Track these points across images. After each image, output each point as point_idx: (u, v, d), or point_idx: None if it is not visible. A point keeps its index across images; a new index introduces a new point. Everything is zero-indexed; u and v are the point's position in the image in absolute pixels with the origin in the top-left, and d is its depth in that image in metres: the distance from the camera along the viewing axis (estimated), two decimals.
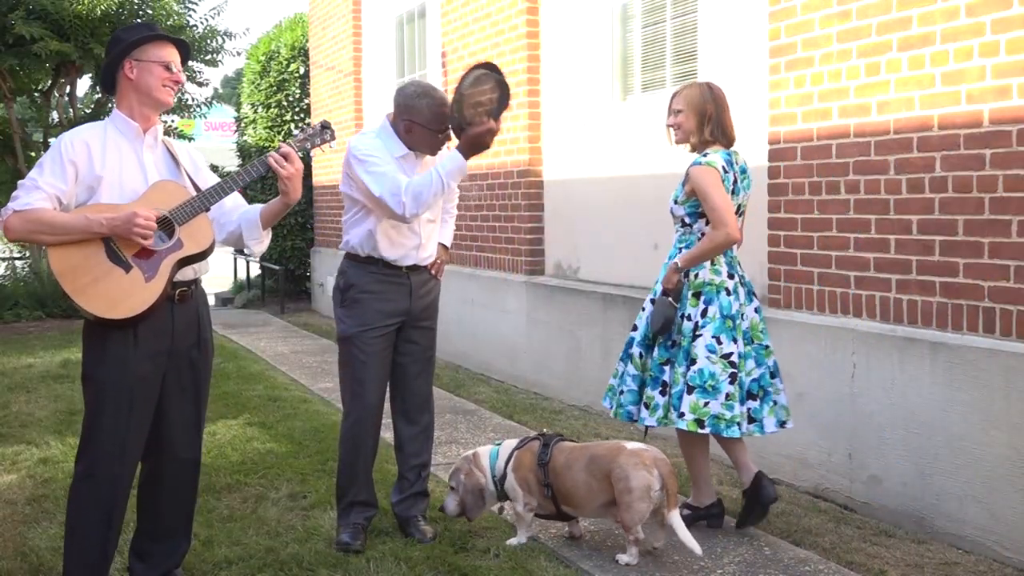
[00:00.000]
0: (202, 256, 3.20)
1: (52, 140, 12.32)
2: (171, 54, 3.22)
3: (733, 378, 3.96)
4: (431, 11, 9.54)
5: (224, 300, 14.62)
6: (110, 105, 12.55)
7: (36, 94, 13.27)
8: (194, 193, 3.21)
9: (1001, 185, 3.93)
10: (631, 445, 3.80)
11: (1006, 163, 3.91)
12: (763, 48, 5.20)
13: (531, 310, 7.36)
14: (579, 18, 7.07)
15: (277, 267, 13.28)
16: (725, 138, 4.13)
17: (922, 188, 4.25)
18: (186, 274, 3.22)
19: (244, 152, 14.45)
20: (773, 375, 4.12)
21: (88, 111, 13.01)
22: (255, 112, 14.05)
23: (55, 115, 12.81)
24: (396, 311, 3.99)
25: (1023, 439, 3.81)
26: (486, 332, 7.99)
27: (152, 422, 3.24)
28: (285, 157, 3.26)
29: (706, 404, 3.93)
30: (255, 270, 14.89)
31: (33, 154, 12.88)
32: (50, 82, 12.70)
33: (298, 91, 13.60)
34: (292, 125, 13.57)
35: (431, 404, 4.23)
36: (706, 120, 4.07)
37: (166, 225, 3.11)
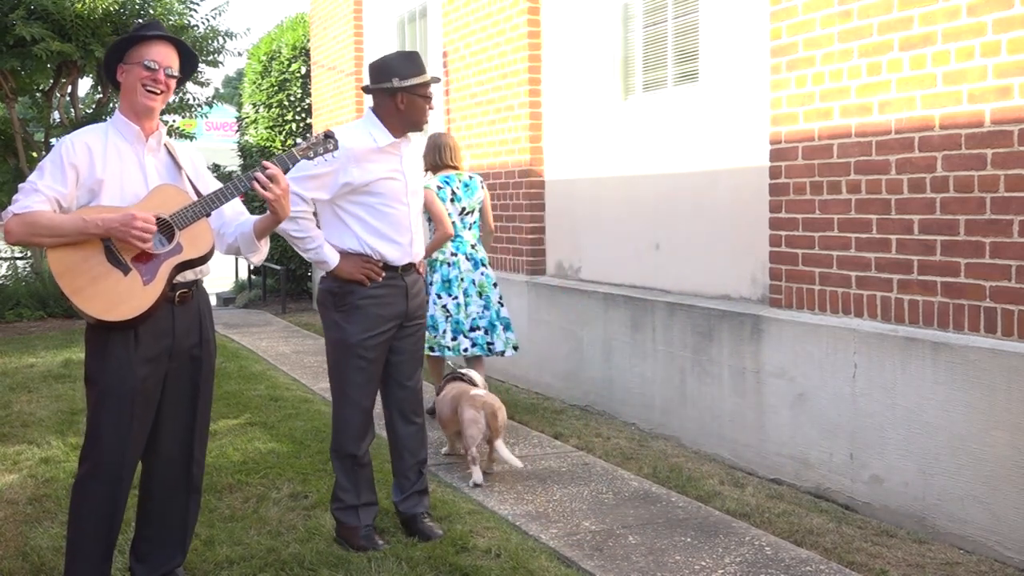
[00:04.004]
0: (201, 261, 3.19)
1: (54, 140, 12.39)
2: (156, 52, 3.14)
3: (446, 319, 5.94)
4: (432, 11, 9.54)
5: (225, 300, 14.63)
6: (111, 105, 12.56)
7: (38, 94, 13.27)
8: (195, 197, 3.21)
9: (1002, 185, 3.93)
10: (473, 391, 4.96)
11: (1007, 163, 3.91)
12: (764, 48, 5.19)
13: (532, 310, 7.36)
14: (580, 18, 7.07)
15: (278, 267, 13.29)
16: (448, 167, 6.09)
17: (923, 188, 4.25)
18: (186, 275, 3.21)
19: (245, 152, 14.46)
20: (499, 315, 6.05)
21: (89, 111, 13.01)
22: (256, 112, 14.05)
23: (56, 115, 12.81)
24: (394, 315, 3.95)
25: None
26: None
27: (152, 421, 3.24)
28: (271, 179, 3.19)
29: (433, 336, 5.93)
30: (256, 270, 14.89)
31: (35, 154, 12.87)
32: (51, 82, 12.70)
33: (299, 91, 13.60)
34: (293, 125, 13.58)
35: (422, 401, 4.23)
36: (427, 163, 6.04)
37: (166, 229, 3.10)
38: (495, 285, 6.11)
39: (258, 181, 3.18)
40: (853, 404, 4.53)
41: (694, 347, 5.60)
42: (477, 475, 4.84)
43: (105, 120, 3.29)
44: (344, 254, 3.87)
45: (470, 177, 6.13)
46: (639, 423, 6.10)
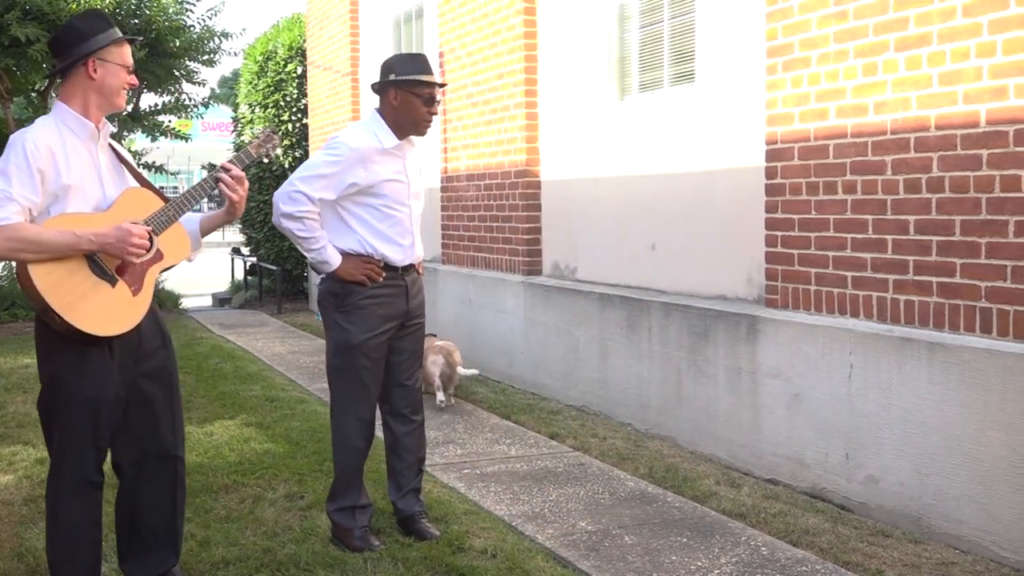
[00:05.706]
0: (176, 264, 3.19)
1: None
2: (130, 56, 3.12)
3: None
4: (428, 11, 9.53)
5: (221, 300, 14.60)
6: None
7: (33, 94, 13.24)
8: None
9: (998, 185, 3.93)
10: (438, 342, 6.60)
11: (1003, 163, 3.91)
12: (760, 48, 5.20)
13: (529, 310, 7.36)
14: (576, 18, 7.07)
15: (274, 267, 13.27)
16: None
17: (919, 188, 4.26)
18: None
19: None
20: None
21: None
22: (252, 112, 14.03)
23: None
24: (395, 314, 3.97)
25: (1020, 439, 3.81)
26: (484, 332, 7.99)
27: (133, 426, 3.19)
28: (236, 181, 3.23)
29: None
30: (252, 270, 14.87)
31: None
32: (47, 83, 12.68)
33: (295, 91, 13.59)
34: (289, 125, 13.56)
35: (422, 400, 4.23)
36: None
37: None
38: None
39: (224, 184, 3.21)
40: (849, 404, 4.54)
41: (690, 347, 5.60)
42: (441, 396, 6.47)
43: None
44: (345, 255, 3.88)
45: None
46: (635, 423, 6.10)
